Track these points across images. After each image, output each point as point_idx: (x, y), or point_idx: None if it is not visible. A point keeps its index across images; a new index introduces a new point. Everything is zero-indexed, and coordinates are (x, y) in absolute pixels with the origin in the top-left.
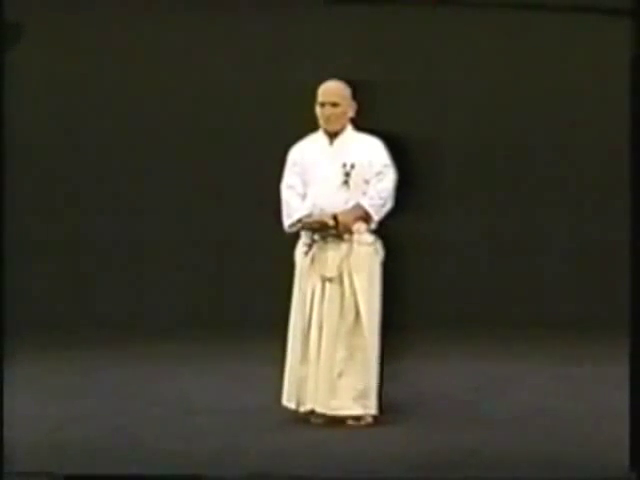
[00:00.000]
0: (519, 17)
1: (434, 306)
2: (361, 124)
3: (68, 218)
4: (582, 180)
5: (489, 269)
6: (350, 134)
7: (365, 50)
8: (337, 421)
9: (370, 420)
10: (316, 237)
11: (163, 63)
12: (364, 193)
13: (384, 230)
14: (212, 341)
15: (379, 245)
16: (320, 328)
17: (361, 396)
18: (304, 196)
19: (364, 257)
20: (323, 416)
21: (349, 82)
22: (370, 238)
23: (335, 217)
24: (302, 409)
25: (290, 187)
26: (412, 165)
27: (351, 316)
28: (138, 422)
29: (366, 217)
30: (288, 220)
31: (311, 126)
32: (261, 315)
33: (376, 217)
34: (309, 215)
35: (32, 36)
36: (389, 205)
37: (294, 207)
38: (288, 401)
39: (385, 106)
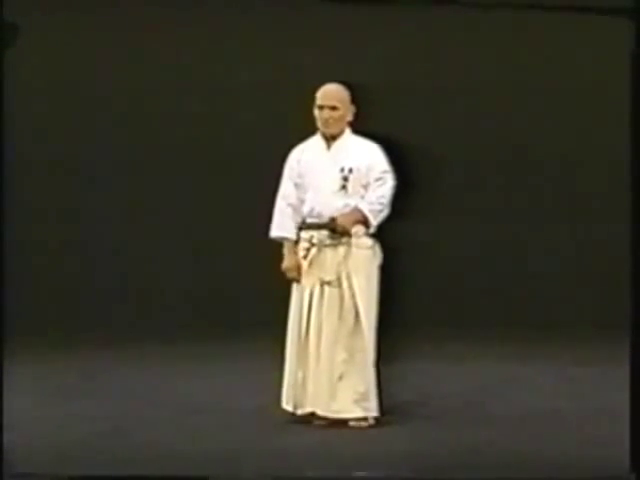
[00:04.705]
0: (519, 17)
1: (433, 309)
2: (359, 128)
3: (68, 218)
4: (582, 181)
5: (488, 271)
6: (348, 138)
7: (365, 53)
8: (338, 423)
9: (372, 422)
10: (314, 240)
11: (162, 63)
12: (362, 197)
13: (383, 234)
14: (213, 342)
15: (377, 248)
16: (319, 331)
17: (362, 399)
18: (298, 205)
19: (362, 260)
20: (324, 419)
21: (348, 85)
22: (369, 241)
23: (334, 219)
24: (300, 412)
25: (283, 197)
26: (411, 169)
27: (350, 319)
28: (139, 423)
29: (364, 221)
30: (272, 233)
31: (310, 127)
32: (260, 316)
33: (374, 222)
34: (292, 239)
35: (31, 36)
36: (387, 211)
37: (280, 222)
38: (287, 404)
39: (384, 110)
